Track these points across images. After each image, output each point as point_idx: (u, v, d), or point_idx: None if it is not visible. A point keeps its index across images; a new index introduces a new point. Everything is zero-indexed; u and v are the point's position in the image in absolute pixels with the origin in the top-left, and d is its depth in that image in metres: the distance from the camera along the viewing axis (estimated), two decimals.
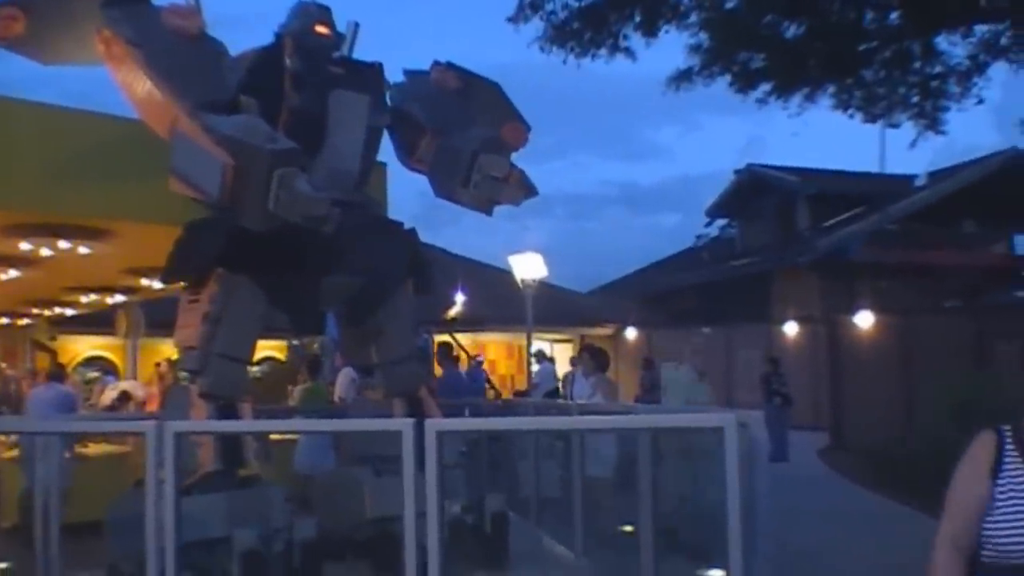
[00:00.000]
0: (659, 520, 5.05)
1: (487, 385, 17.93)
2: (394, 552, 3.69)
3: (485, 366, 19.33)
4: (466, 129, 5.65)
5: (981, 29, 12.95)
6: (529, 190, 5.63)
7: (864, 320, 16.96)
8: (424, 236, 6.23)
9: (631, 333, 24.73)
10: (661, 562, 4.96)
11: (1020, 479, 2.41)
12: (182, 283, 5.45)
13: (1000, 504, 2.41)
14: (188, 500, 4.16)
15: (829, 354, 17.51)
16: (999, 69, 13.51)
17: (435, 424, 3.61)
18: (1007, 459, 2.43)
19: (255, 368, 7.73)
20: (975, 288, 24.58)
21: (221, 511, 4.90)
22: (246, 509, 4.99)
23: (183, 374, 5.63)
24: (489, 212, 5.76)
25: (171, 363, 11.54)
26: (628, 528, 5.95)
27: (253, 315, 5.26)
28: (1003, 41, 12.92)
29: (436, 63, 6.06)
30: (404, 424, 3.59)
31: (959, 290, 24.43)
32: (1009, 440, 2.45)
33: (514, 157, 5.77)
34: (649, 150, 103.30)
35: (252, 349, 5.44)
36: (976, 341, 15.22)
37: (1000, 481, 2.41)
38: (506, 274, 17.92)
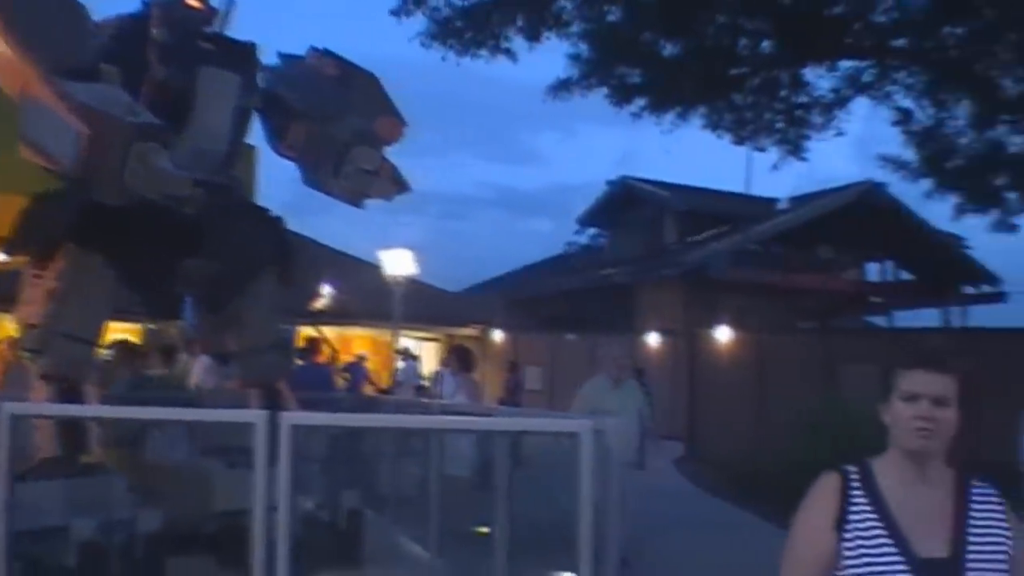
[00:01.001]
0: (515, 522, 5.06)
1: (367, 381, 17.77)
2: (242, 547, 3.58)
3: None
4: (340, 119, 5.53)
5: (846, 64, 13.54)
6: (401, 185, 5.56)
7: (723, 335, 17.51)
8: (293, 224, 6.09)
9: (498, 335, 24.85)
10: (514, 564, 4.98)
11: (871, 530, 2.14)
12: (27, 256, 5.16)
13: (849, 561, 2.12)
14: (23, 486, 3.95)
15: (688, 367, 17.98)
16: (861, 104, 14.17)
17: (290, 417, 3.53)
18: (854, 506, 2.16)
19: (105, 351, 7.39)
20: (828, 311, 25.74)
21: (59, 499, 4.66)
22: (86, 498, 4.76)
23: (25, 353, 5.33)
24: (359, 205, 5.66)
25: (12, 341, 10.96)
26: (484, 529, 5.94)
27: (102, 294, 5.02)
28: (865, 77, 13.53)
29: (313, 49, 5.91)
30: (257, 416, 3.49)
31: (813, 312, 25.53)
32: (856, 483, 2.19)
33: (389, 152, 5.69)
34: (527, 155, 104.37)
35: (100, 330, 5.19)
36: (826, 362, 15.89)
37: (847, 534, 2.14)
38: (376, 269, 17.75)
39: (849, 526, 2.14)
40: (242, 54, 5.40)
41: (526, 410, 11.03)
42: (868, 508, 2.15)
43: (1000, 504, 2.19)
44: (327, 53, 5.92)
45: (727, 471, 13.17)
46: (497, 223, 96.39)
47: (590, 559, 3.69)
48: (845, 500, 2.17)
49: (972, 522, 2.15)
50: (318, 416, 4.58)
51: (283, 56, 5.96)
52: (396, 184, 5.53)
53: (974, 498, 2.18)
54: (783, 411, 13.07)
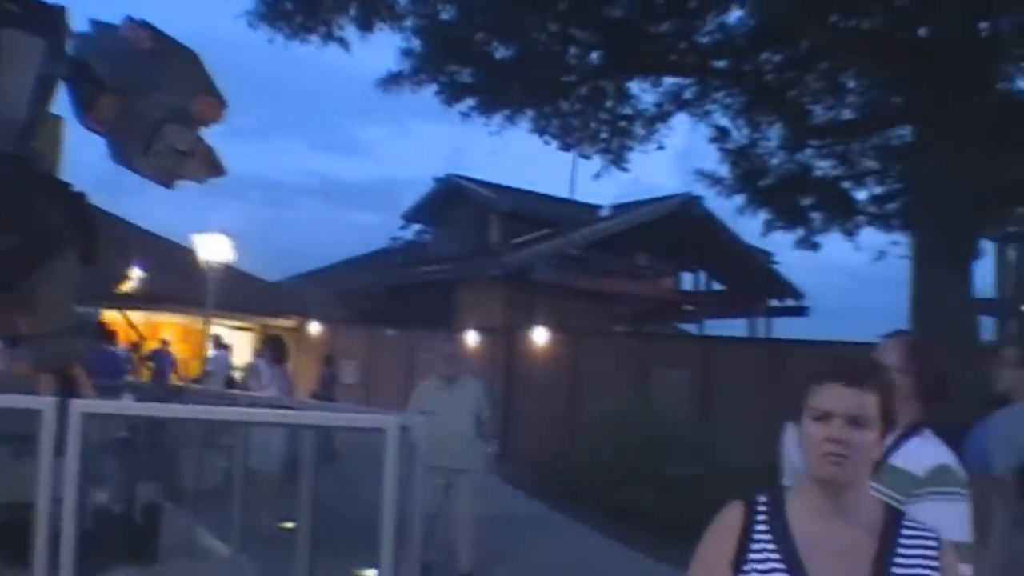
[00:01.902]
0: (321, 518, 4.98)
1: (172, 370, 17.07)
2: (28, 543, 3.37)
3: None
4: (153, 94, 5.27)
5: (670, 81, 14.05)
6: (216, 168, 5.35)
7: (540, 336, 17.83)
8: (104, 202, 5.77)
9: (315, 328, 24.43)
10: (317, 560, 4.90)
11: (772, 573, 1.86)
12: None
13: None
14: None
15: (505, 366, 18.22)
16: (682, 120, 14.74)
17: (81, 405, 3.35)
18: (755, 543, 1.88)
19: None
20: (643, 317, 26.65)
21: None
22: None
23: None
24: (170, 186, 5.41)
25: None
26: (289, 525, 5.82)
27: None
28: (687, 95, 14.08)
29: (130, 18, 5.61)
30: (44, 403, 3.29)
31: (629, 317, 26.38)
32: (762, 516, 1.90)
33: (207, 133, 5.47)
34: (356, 146, 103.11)
35: None
36: (639, 365, 16.46)
37: (744, 571, 1.87)
38: (190, 253, 17.11)
39: (747, 566, 1.86)
40: (49, 18, 5.06)
41: (334, 404, 10.89)
42: (771, 546, 1.86)
43: (935, 547, 1.90)
44: (144, 24, 5.62)
45: (541, 470, 13.45)
46: (321, 213, 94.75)
47: (391, 556, 3.68)
48: (746, 536, 1.88)
49: (896, 567, 1.85)
50: (112, 404, 4.36)
51: (96, 23, 5.63)
52: (211, 167, 5.32)
53: (903, 538, 1.87)
54: (595, 412, 13.46)
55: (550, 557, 8.67)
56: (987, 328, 26.82)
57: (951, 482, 2.61)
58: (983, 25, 11.85)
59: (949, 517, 2.52)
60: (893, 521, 1.91)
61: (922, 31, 12.32)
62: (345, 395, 18.49)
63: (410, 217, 30.65)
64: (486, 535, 7.72)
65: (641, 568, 8.69)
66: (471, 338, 21.46)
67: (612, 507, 10.45)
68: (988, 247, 24.49)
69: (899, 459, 2.71)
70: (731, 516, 1.93)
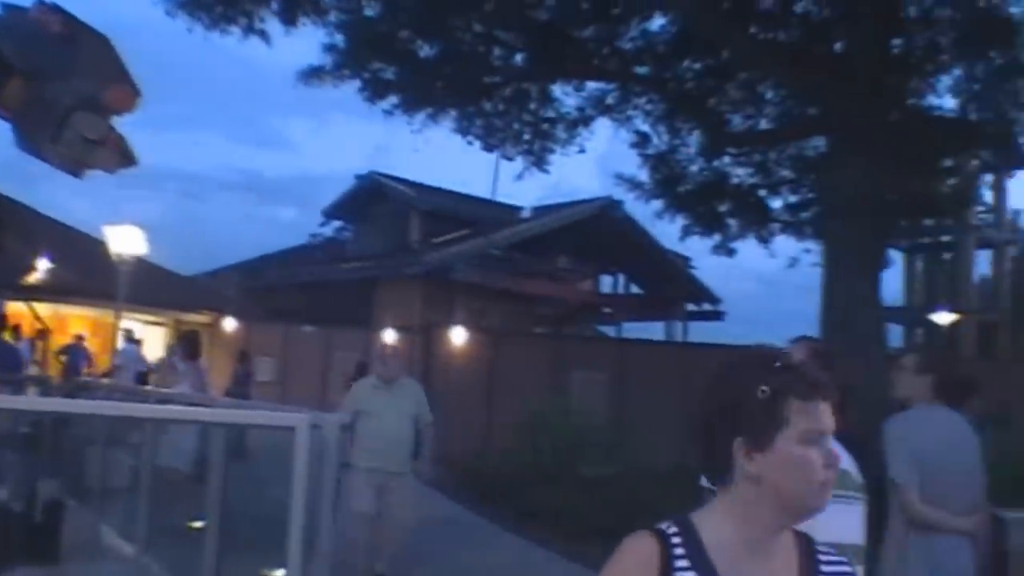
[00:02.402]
0: (230, 517, 4.89)
1: (86, 365, 16.60)
2: None
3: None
4: (63, 80, 5.11)
5: (593, 86, 14.17)
6: (128, 159, 5.20)
7: (459, 336, 17.81)
8: (11, 190, 5.59)
9: (230, 323, 24.01)
10: (225, 560, 4.81)
11: None
12: None
13: None
14: None
15: (423, 365, 18.15)
16: (604, 124, 14.88)
17: None
18: None
19: None
20: (562, 318, 26.83)
21: None
22: None
23: None
24: (78, 175, 5.24)
25: None
26: (197, 524, 5.71)
27: None
28: (609, 100, 14.22)
29: (40, 1, 5.45)
30: None
31: (548, 319, 26.53)
32: (679, 550, 1.60)
33: (119, 122, 5.33)
34: (276, 140, 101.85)
35: None
36: (557, 367, 16.57)
37: None
38: (102, 245, 16.66)
39: None
40: None
41: (246, 402, 10.72)
42: None
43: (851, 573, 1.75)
44: (55, 7, 5.46)
45: (457, 470, 13.42)
46: (239, 208, 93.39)
47: (299, 555, 3.66)
48: (668, 569, 1.59)
49: None
50: (11, 399, 4.24)
51: (4, 5, 5.45)
52: (123, 157, 5.17)
53: (821, 571, 1.68)
54: (513, 413, 13.50)
55: (464, 558, 8.66)
56: (896, 336, 27.79)
57: (847, 486, 2.68)
58: (896, 42, 12.21)
59: (843, 520, 2.59)
60: (808, 552, 1.69)
61: (838, 46, 12.65)
62: (260, 393, 18.21)
63: (330, 214, 30.33)
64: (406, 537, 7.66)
65: (555, 568, 8.74)
66: (389, 337, 21.35)
67: (527, 508, 10.49)
68: (897, 257, 25.31)
69: None
70: (643, 552, 1.60)
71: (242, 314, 24.18)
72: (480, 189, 25.57)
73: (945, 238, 27.26)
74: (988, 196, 25.68)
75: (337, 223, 30.90)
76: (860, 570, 2.58)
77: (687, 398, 16.67)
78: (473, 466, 12.80)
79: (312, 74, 13.44)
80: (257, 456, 6.12)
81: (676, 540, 1.62)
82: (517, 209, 28.06)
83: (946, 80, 13.12)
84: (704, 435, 1.65)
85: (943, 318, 22.43)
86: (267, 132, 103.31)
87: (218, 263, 32.35)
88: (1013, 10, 12.19)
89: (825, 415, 1.62)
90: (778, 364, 1.64)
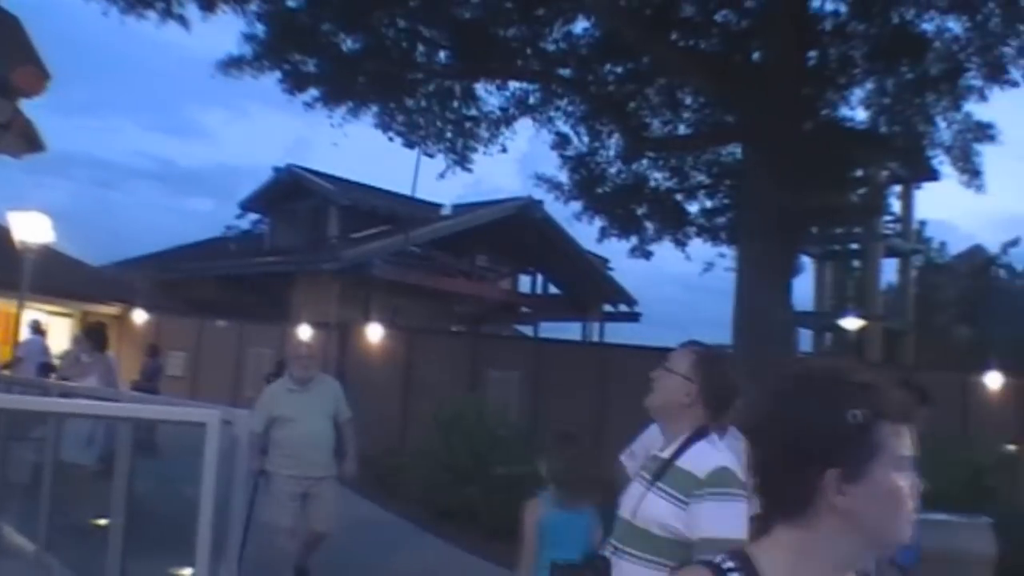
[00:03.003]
0: (137, 515, 4.78)
1: None
2: None
3: None
4: None
5: (515, 85, 14.20)
6: (35, 144, 5.07)
7: (375, 333, 17.69)
8: None
9: (140, 316, 23.45)
10: (131, 558, 4.70)
11: None
12: None
13: None
14: None
15: (338, 362, 17.98)
16: (526, 124, 14.91)
17: None
18: None
19: None
20: (480, 317, 26.86)
21: None
22: None
23: None
24: None
25: None
26: (102, 522, 5.57)
27: None
28: (531, 100, 14.27)
29: None
30: None
31: (466, 317, 26.53)
32: None
33: (29, 106, 5.17)
34: (192, 129, 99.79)
35: None
36: (472, 366, 16.57)
37: None
38: (5, 232, 16.10)
39: None
40: None
41: (155, 397, 10.47)
42: None
43: None
44: None
45: (372, 468, 13.32)
46: (152, 197, 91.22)
47: (207, 554, 3.60)
48: None
49: None
50: None
51: None
52: (29, 141, 5.04)
53: None
54: (428, 411, 13.45)
55: (378, 557, 8.61)
56: (805, 340, 28.48)
57: (729, 483, 2.75)
58: (812, 54, 12.50)
59: (724, 516, 2.69)
60: None
61: (756, 56, 12.90)
62: (170, 388, 17.82)
63: (247, 206, 29.84)
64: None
65: (469, 567, 8.75)
66: (304, 334, 21.08)
67: (442, 507, 10.47)
68: (808, 264, 25.95)
69: (684, 461, 2.87)
70: None
71: (153, 306, 23.63)
72: (401, 185, 25.35)
73: (854, 246, 28.01)
74: (896, 206, 26.50)
75: (254, 216, 30.43)
76: None
77: (603, 398, 16.84)
78: (388, 465, 12.71)
79: (231, 64, 13.18)
80: (167, 453, 5.99)
81: (734, 571, 1.41)
82: (437, 207, 27.97)
83: (859, 93, 13.52)
84: (778, 466, 1.42)
85: (851, 324, 23.10)
86: (183, 121, 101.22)
87: (129, 253, 31.57)
88: (925, 26, 12.62)
89: (910, 438, 1.43)
90: (860, 383, 1.44)
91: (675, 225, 15.26)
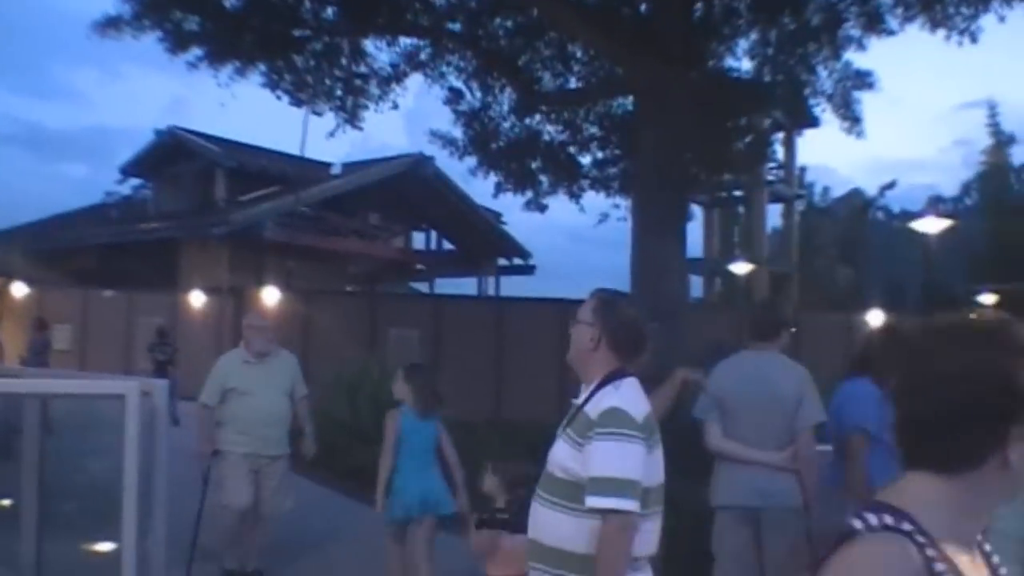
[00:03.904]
0: (49, 494, 4.66)
1: None
2: None
3: None
4: None
5: (406, 41, 14.04)
6: None
7: (270, 296, 17.43)
8: None
9: (20, 289, 22.53)
10: (46, 539, 4.59)
11: None
12: None
13: None
14: None
15: (234, 327, 17.66)
16: (415, 80, 14.79)
17: None
18: None
19: None
20: (375, 276, 26.69)
21: None
22: None
23: None
24: None
25: None
26: (5, 503, 5.41)
27: None
28: (422, 56, 14.14)
29: None
30: None
31: (361, 277, 26.33)
32: (928, 548, 1.32)
33: None
34: (61, 91, 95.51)
35: None
36: (371, 325, 16.50)
37: None
38: None
39: None
40: None
41: (60, 371, 10.13)
42: None
43: None
44: None
45: None
46: (20, 164, 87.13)
47: (134, 529, 3.55)
48: None
49: None
50: None
51: None
52: None
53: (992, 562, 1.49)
54: (328, 373, 13.36)
55: (286, 521, 8.57)
56: (696, 286, 29.20)
57: (619, 423, 2.81)
58: (698, 6, 12.71)
59: (611, 455, 2.77)
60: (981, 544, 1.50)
61: (643, 8, 13.05)
62: (58, 362, 17.23)
63: (128, 171, 28.76)
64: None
65: (380, 527, 8.77)
66: (196, 299, 20.64)
67: (349, 467, 10.44)
68: (696, 211, 26.55)
69: (588, 406, 2.95)
70: (910, 561, 1.31)
71: (33, 279, 22.71)
72: (289, 145, 24.80)
73: (738, 193, 28.73)
74: (779, 153, 27.25)
75: (136, 181, 29.39)
76: (620, 502, 2.73)
77: (501, 350, 16.95)
78: (292, 428, 12.61)
79: (109, 24, 12.68)
80: (61, 429, 5.81)
81: (920, 540, 1.33)
82: (327, 166, 27.52)
83: (743, 44, 13.83)
84: (947, 423, 1.38)
85: (740, 268, 23.80)
86: (52, 82, 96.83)
87: (2, 224, 30.20)
88: None
89: None
90: (1014, 335, 1.41)
91: (569, 178, 15.41)
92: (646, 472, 2.87)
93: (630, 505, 2.78)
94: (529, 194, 15.63)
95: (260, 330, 6.64)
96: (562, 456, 2.96)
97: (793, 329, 4.98)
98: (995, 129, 31.36)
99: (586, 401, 3.00)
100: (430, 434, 5.86)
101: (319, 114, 15.16)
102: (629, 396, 2.95)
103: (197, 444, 6.44)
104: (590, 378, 3.06)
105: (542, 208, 15.85)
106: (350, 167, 27.30)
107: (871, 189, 35.78)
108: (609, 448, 2.82)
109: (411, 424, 5.78)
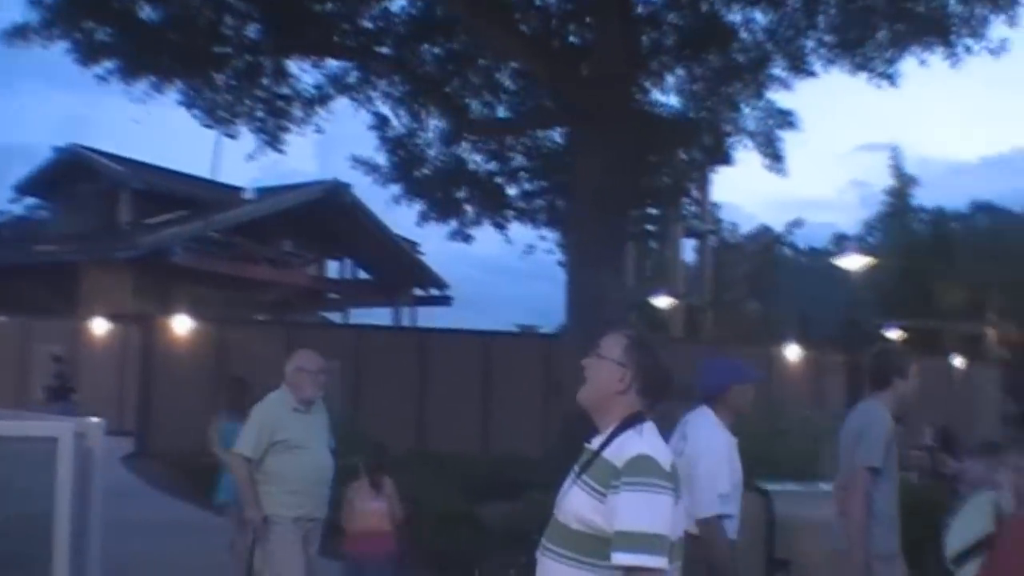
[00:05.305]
0: None
1: None
2: None
3: None
4: None
5: (333, 64, 13.65)
6: None
7: (181, 325, 16.69)
8: None
9: None
10: None
11: None
12: None
13: None
14: None
15: (141, 356, 16.87)
16: (341, 104, 14.37)
17: None
18: None
19: None
20: (286, 305, 26.02)
21: None
22: None
23: None
24: None
25: None
26: None
27: None
28: (349, 79, 13.75)
29: None
30: None
31: (272, 305, 25.63)
32: None
33: None
34: None
35: None
36: (289, 356, 15.91)
37: None
38: None
39: None
40: None
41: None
42: None
43: None
44: None
45: (182, 468, 12.53)
46: None
47: (67, 569, 3.18)
48: None
49: None
50: None
51: None
52: None
53: None
54: (247, 403, 12.80)
55: (189, 562, 8.03)
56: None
57: (647, 472, 2.57)
58: (630, 41, 12.66)
59: (641, 508, 2.53)
60: None
61: (577, 40, 12.98)
62: None
63: (24, 190, 27.51)
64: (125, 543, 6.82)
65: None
66: (99, 326, 19.70)
67: None
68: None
69: (609, 452, 2.68)
70: None
71: None
72: (199, 169, 24.08)
73: (650, 227, 28.92)
74: (693, 189, 27.54)
75: (32, 200, 28.11)
76: (652, 559, 2.48)
77: (423, 381, 16.57)
78: (206, 464, 11.98)
79: (16, 33, 12.00)
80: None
81: None
82: (239, 190, 26.78)
83: (672, 80, 13.89)
84: None
85: (662, 302, 23.98)
86: None
87: None
88: (732, 17, 13.05)
89: None
90: None
91: (495, 208, 15.21)
92: (673, 525, 2.59)
93: (659, 563, 2.52)
94: (454, 223, 15.38)
95: (316, 374, 5.56)
96: (580, 506, 2.66)
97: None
98: (898, 171, 32.42)
99: (604, 446, 2.71)
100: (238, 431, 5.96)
101: (232, 136, 14.62)
102: (655, 443, 2.70)
103: (244, 508, 5.35)
104: (609, 420, 2.78)
105: (467, 238, 15.61)
106: (263, 192, 26.62)
107: (774, 225, 36.78)
108: (638, 500, 2.56)
109: (226, 425, 6.82)
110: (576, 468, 2.80)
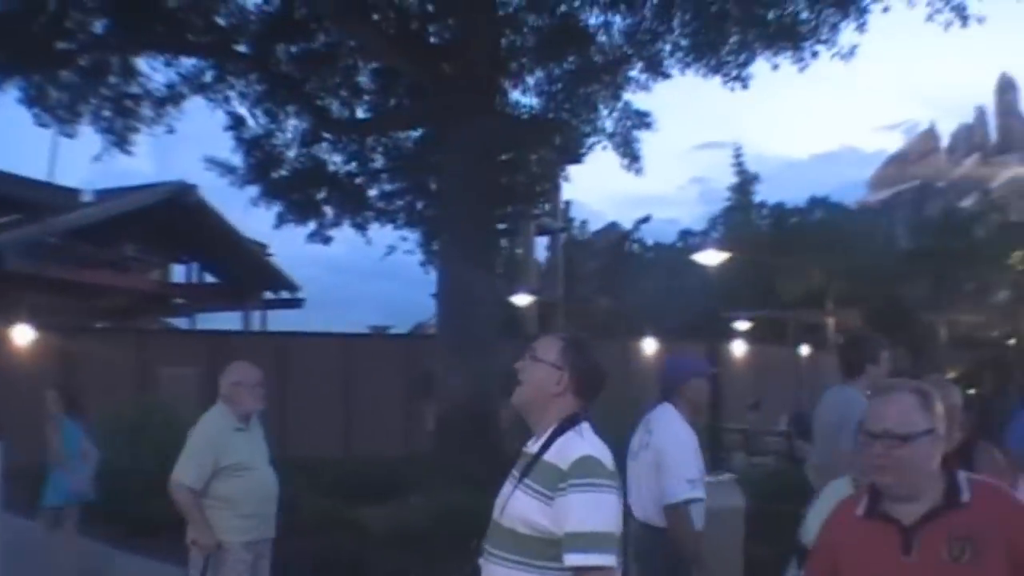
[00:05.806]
0: None
1: None
2: None
3: None
4: None
5: (188, 62, 13.22)
6: None
7: (22, 335, 15.81)
8: None
9: None
10: None
11: None
12: None
13: None
14: None
15: None
16: (195, 103, 13.94)
17: None
18: None
19: None
20: (129, 311, 24.95)
21: None
22: None
23: None
24: None
25: None
26: None
27: None
28: (205, 78, 13.35)
29: None
30: None
31: (113, 311, 24.53)
32: None
33: None
34: None
35: None
36: (140, 364, 15.33)
37: None
38: None
39: None
40: None
41: None
42: None
43: None
44: None
45: (31, 484, 11.87)
46: None
47: None
48: None
49: None
50: None
51: None
52: None
53: None
54: (98, 417, 12.24)
55: None
56: None
57: (593, 472, 2.65)
58: (491, 41, 12.80)
59: (590, 508, 2.60)
60: None
61: (438, 40, 12.99)
62: None
63: None
64: None
65: None
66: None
67: (139, 520, 9.51)
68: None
69: (551, 454, 2.74)
70: None
71: None
72: (36, 170, 22.73)
73: (502, 225, 29.16)
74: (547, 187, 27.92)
75: None
76: (601, 558, 2.56)
77: (286, 387, 16.24)
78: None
79: None
80: None
81: None
82: (77, 193, 25.45)
83: (531, 80, 14.08)
84: None
85: (522, 300, 24.21)
86: None
87: None
88: (590, 20, 13.35)
89: None
90: None
91: (355, 209, 15.07)
92: (619, 523, 2.69)
93: (611, 561, 2.60)
94: (313, 225, 15.14)
95: (254, 387, 5.15)
96: (526, 510, 2.71)
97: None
98: (740, 168, 33.81)
99: (544, 448, 2.77)
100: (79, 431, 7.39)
101: (70, 136, 13.98)
102: (596, 443, 2.77)
103: (198, 535, 4.93)
104: (546, 422, 2.83)
105: (326, 240, 15.40)
106: (103, 194, 25.37)
107: (622, 221, 37.86)
108: (586, 501, 2.63)
109: (69, 425, 7.59)
110: (515, 472, 2.85)
